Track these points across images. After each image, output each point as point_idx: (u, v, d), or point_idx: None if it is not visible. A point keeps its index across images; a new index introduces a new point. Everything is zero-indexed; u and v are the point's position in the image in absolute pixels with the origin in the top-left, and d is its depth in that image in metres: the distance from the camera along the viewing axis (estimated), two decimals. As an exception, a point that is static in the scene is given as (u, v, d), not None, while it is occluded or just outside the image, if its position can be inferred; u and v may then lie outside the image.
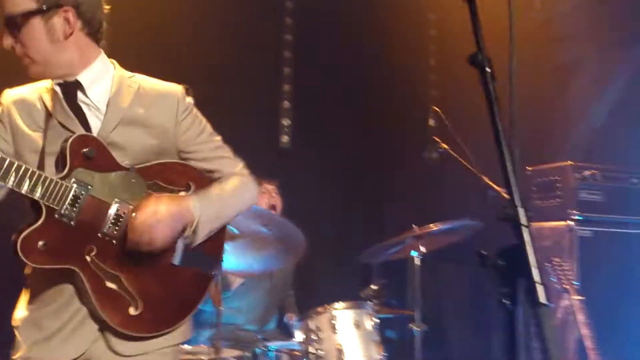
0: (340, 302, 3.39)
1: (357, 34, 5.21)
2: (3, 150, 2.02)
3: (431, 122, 3.76)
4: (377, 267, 4.27)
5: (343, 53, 5.19)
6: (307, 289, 4.70)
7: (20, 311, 2.11)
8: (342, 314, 3.35)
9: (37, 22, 2.01)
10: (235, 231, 3.12)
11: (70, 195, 1.94)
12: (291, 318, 4.22)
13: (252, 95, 4.98)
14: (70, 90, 2.08)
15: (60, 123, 2.05)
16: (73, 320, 2.01)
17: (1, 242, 2.03)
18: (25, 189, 1.89)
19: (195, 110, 2.27)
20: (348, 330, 3.33)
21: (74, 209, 1.95)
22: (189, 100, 2.27)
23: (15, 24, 2.00)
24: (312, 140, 5.09)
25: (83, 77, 2.08)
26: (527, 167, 4.22)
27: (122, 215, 2.02)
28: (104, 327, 2.01)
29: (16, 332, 2.09)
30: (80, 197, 1.96)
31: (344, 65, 5.18)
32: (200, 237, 2.09)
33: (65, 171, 1.96)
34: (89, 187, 1.99)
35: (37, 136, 2.05)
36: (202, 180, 2.19)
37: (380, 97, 5.27)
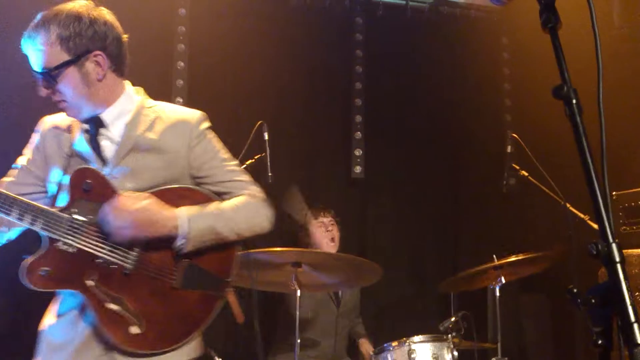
0: (419, 335, 3.34)
1: (428, 61, 5.18)
2: (37, 176, 2.22)
3: (509, 148, 3.67)
4: (454, 298, 4.17)
5: (414, 81, 5.17)
6: (382, 320, 4.65)
7: (47, 318, 2.22)
8: (421, 347, 3.29)
9: (71, 71, 2.14)
10: (311, 269, 3.15)
11: (70, 226, 2.08)
12: (363, 345, 4.18)
13: (325, 127, 5.02)
14: (95, 125, 2.20)
15: (78, 154, 2.19)
16: (82, 335, 2.11)
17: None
18: (26, 221, 2.05)
19: (210, 135, 2.31)
20: (427, 364, 3.27)
21: (74, 238, 2.08)
22: (205, 125, 2.30)
23: (50, 76, 2.12)
24: (385, 170, 5.07)
25: (107, 114, 2.21)
26: (612, 193, 4.06)
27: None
28: (109, 347, 2.10)
29: (39, 336, 2.20)
30: (80, 226, 2.09)
31: (415, 93, 5.16)
32: (190, 245, 2.13)
33: (67, 203, 2.11)
34: (89, 216, 2.10)
35: (61, 164, 2.18)
36: (209, 203, 2.21)
37: (453, 123, 5.20)
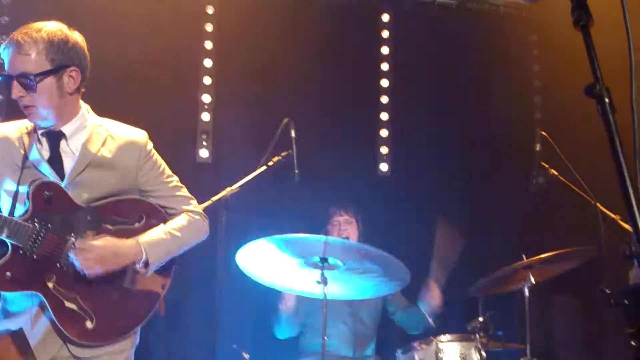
0: (447, 334, 3.31)
1: (456, 58, 5.14)
2: None
3: (538, 146, 3.62)
4: (482, 297, 4.12)
5: (441, 78, 5.13)
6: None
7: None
8: (449, 347, 3.28)
9: (50, 81, 2.37)
10: (339, 263, 3.13)
11: (32, 234, 2.31)
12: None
13: (351, 124, 5.00)
14: (55, 139, 2.45)
15: (33, 165, 2.40)
16: (40, 331, 2.35)
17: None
18: None
19: (155, 154, 2.63)
20: (455, 364, 3.25)
21: (36, 245, 2.32)
22: (150, 145, 2.62)
23: (31, 81, 2.33)
24: (411, 168, 5.04)
25: (67, 128, 2.47)
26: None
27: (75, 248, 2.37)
28: (66, 339, 2.37)
29: None
30: (41, 235, 2.33)
31: (442, 91, 5.12)
32: (151, 270, 2.48)
33: (29, 214, 2.33)
34: (49, 225, 2.35)
35: (14, 176, 2.38)
36: (154, 212, 2.57)
37: (481, 120, 5.15)
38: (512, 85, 5.16)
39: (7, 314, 2.43)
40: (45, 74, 2.35)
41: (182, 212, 2.63)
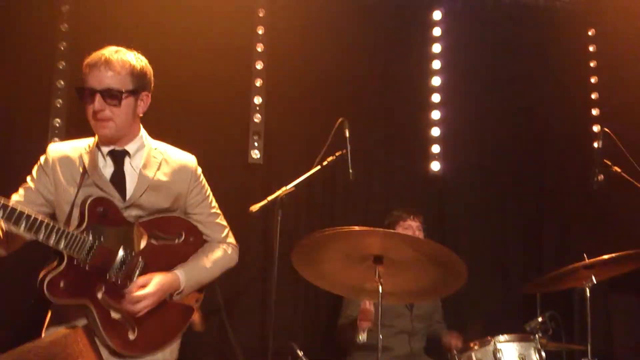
0: (505, 335, 3.24)
1: (510, 54, 5.06)
2: (46, 198, 2.59)
3: (599, 143, 3.52)
4: (540, 297, 4.04)
5: (494, 75, 5.05)
6: (465, 320, 4.56)
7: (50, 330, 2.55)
8: (507, 347, 3.20)
9: (131, 100, 2.58)
10: (394, 261, 3.08)
11: (87, 246, 2.44)
12: (447, 335, 4.09)
13: (403, 123, 4.97)
14: (119, 157, 2.63)
15: (95, 183, 2.57)
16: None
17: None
18: (52, 242, 2.36)
19: (203, 180, 2.82)
20: (513, 364, 3.18)
21: (89, 256, 2.45)
22: (199, 170, 2.81)
23: (114, 96, 2.52)
24: (464, 167, 4.97)
25: (130, 147, 2.65)
26: None
27: (126, 260, 2.54)
28: (113, 354, 2.51)
29: None
30: (94, 247, 2.46)
31: (496, 87, 5.04)
32: (184, 296, 2.69)
33: (84, 226, 2.46)
34: (101, 238, 2.48)
35: (72, 190, 2.55)
36: (193, 230, 2.77)
37: (536, 118, 5.05)
38: (567, 81, 5.05)
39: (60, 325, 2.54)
40: (129, 93, 2.57)
41: (217, 240, 2.83)
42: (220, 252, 2.82)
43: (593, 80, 5.10)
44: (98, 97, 2.51)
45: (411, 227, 4.06)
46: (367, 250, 3.04)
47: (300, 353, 3.30)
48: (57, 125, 4.27)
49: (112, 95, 2.52)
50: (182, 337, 2.75)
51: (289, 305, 4.23)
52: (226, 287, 4.21)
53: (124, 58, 2.57)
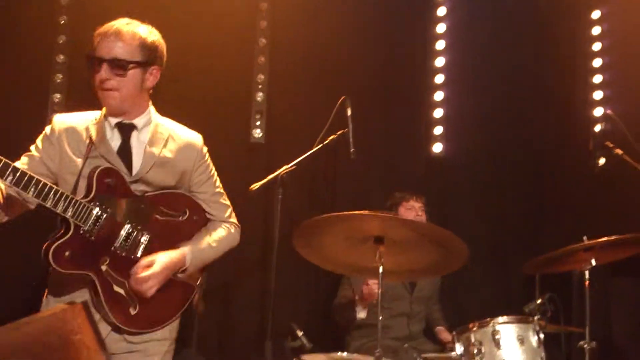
0: (504, 316, 3.26)
1: (513, 36, 5.02)
2: (49, 168, 2.56)
3: (602, 125, 3.50)
4: (539, 280, 4.05)
5: (498, 56, 5.02)
6: (464, 301, 4.58)
7: (50, 305, 2.54)
8: (506, 329, 3.20)
9: (137, 71, 2.58)
10: (395, 242, 3.09)
11: (94, 216, 2.45)
12: (441, 332, 4.15)
13: (404, 104, 4.95)
14: (127, 130, 2.63)
15: (101, 155, 2.56)
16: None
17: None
18: (59, 209, 2.37)
19: (208, 159, 2.82)
20: (512, 346, 3.19)
21: (95, 227, 2.45)
22: (205, 149, 2.81)
23: (121, 66, 2.53)
24: (465, 148, 4.96)
25: (138, 121, 2.65)
26: None
27: (131, 233, 2.54)
28: (114, 329, 2.51)
29: None
30: (101, 217, 2.47)
31: (499, 69, 5.01)
32: (188, 274, 2.68)
33: (92, 196, 2.47)
34: (108, 210, 2.49)
35: (78, 161, 2.54)
36: (197, 208, 2.77)
37: (537, 100, 5.02)
38: (570, 64, 5.02)
39: (59, 301, 2.52)
40: (136, 64, 2.56)
41: (220, 219, 2.83)
42: (224, 232, 2.82)
43: (596, 62, 5.05)
44: (105, 66, 2.52)
45: (414, 207, 4.11)
46: (368, 232, 3.05)
47: (300, 333, 3.32)
48: (57, 100, 4.25)
49: (118, 65, 2.52)
50: (182, 318, 2.74)
51: (289, 285, 4.24)
52: (227, 267, 4.23)
53: (135, 30, 2.58)
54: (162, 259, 2.56)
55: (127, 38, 2.55)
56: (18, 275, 3.77)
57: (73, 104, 2.93)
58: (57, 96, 4.26)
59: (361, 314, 3.81)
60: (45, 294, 2.60)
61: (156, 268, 2.53)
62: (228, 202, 2.88)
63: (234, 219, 2.89)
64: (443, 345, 4.05)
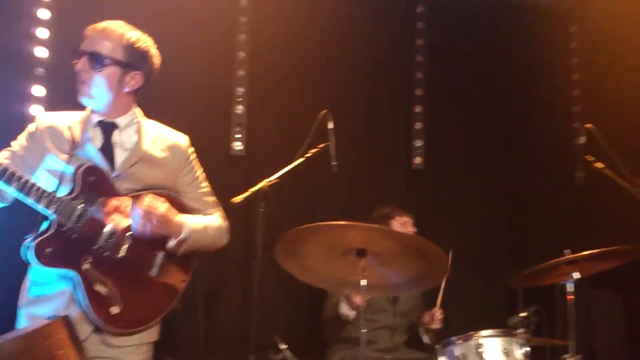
0: (488, 330, 3.23)
1: (494, 50, 5.06)
2: (30, 164, 2.54)
3: (581, 139, 3.51)
4: (520, 290, 4.05)
5: (478, 71, 5.04)
6: (447, 314, 4.54)
7: (29, 299, 2.51)
8: (490, 342, 3.19)
9: (115, 70, 2.57)
10: (376, 254, 3.06)
11: (76, 213, 2.41)
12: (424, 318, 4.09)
13: (386, 117, 4.95)
14: (108, 129, 2.62)
15: (83, 152, 2.53)
16: (75, 316, 2.41)
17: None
18: (41, 206, 2.35)
19: (194, 159, 2.81)
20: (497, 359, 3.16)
21: (78, 225, 2.42)
22: (191, 149, 2.81)
23: (98, 60, 2.54)
24: (446, 161, 4.96)
25: (120, 121, 2.64)
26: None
27: (114, 233, 2.49)
28: (95, 330, 2.45)
29: (21, 312, 2.50)
30: (84, 215, 2.43)
31: (479, 83, 5.03)
32: (182, 251, 2.59)
33: (75, 194, 2.45)
34: (92, 207, 2.46)
35: (61, 159, 2.51)
36: (184, 208, 2.69)
37: (519, 114, 5.05)
38: (550, 78, 5.06)
39: (41, 298, 2.49)
40: (115, 62, 2.56)
41: (214, 213, 2.78)
42: (218, 221, 2.78)
43: (576, 76, 5.10)
44: (83, 59, 2.54)
45: (407, 222, 4.15)
46: (350, 244, 3.01)
47: (284, 346, 3.27)
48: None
49: (95, 60, 2.54)
50: (163, 324, 2.68)
51: (271, 297, 4.18)
52: (207, 279, 4.17)
53: (125, 32, 2.61)
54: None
55: (114, 36, 2.58)
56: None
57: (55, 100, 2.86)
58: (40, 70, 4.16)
59: (352, 314, 3.77)
60: (25, 287, 2.55)
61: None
62: (216, 202, 2.86)
63: (225, 217, 2.85)
64: (423, 326, 4.00)
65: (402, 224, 4.11)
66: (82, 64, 2.54)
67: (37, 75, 4.16)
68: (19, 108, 4.10)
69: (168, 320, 2.71)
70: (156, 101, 4.13)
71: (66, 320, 2.26)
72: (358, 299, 3.71)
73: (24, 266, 2.51)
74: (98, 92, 2.58)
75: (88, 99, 2.59)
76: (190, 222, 2.63)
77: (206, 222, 2.71)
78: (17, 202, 2.44)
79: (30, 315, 2.49)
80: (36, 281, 2.53)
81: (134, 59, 2.60)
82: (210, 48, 4.53)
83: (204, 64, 4.49)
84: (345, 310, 3.80)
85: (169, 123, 3.02)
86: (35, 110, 4.07)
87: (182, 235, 2.57)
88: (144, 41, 2.66)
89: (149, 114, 2.84)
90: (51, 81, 4.11)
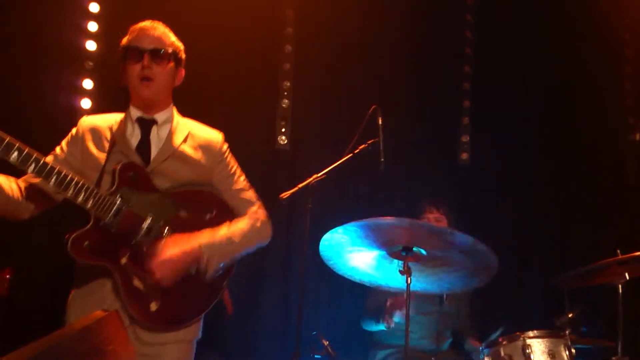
0: (535, 330, 3.18)
1: (543, 42, 4.94)
2: (72, 165, 2.59)
3: (637, 136, 3.42)
4: (566, 290, 3.97)
5: (526, 63, 4.94)
6: (491, 314, 4.49)
7: (72, 295, 2.59)
8: (537, 343, 3.14)
9: (173, 65, 2.71)
10: (423, 252, 3.04)
11: (114, 208, 2.45)
12: (474, 344, 4.06)
13: (431, 112, 4.89)
14: (147, 125, 2.68)
15: (121, 151, 2.60)
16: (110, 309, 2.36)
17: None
18: (80, 200, 2.39)
19: (229, 155, 2.84)
20: (543, 361, 3.12)
21: (116, 219, 2.45)
22: (225, 146, 2.84)
23: (162, 56, 2.65)
24: (493, 156, 4.88)
25: (160, 116, 2.71)
26: None
27: (153, 228, 2.52)
28: (133, 322, 2.47)
29: (67, 310, 2.58)
30: (122, 210, 2.46)
31: (527, 76, 4.93)
32: (211, 270, 2.58)
33: (113, 189, 2.48)
34: (130, 203, 2.48)
35: (101, 157, 2.57)
36: (224, 207, 2.73)
37: (568, 107, 4.93)
38: (602, 70, 4.92)
39: (83, 295, 2.55)
40: (174, 57, 2.71)
41: (245, 214, 2.77)
42: (245, 225, 2.73)
43: (628, 69, 4.95)
44: (146, 56, 2.62)
45: (428, 219, 4.01)
46: (396, 241, 3.00)
47: (326, 343, 3.29)
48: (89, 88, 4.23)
49: (160, 55, 2.64)
50: (208, 318, 2.70)
51: (314, 294, 4.19)
52: (250, 276, 4.20)
53: (167, 31, 2.73)
54: (176, 244, 2.53)
55: (167, 35, 2.71)
56: (47, 269, 3.76)
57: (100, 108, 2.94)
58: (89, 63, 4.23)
59: (392, 323, 3.74)
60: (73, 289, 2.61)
61: (170, 253, 2.49)
62: (253, 198, 2.85)
63: (261, 214, 2.83)
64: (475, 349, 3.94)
65: (436, 220, 3.99)
66: (147, 60, 2.62)
67: (86, 69, 4.23)
68: (69, 101, 4.18)
69: (211, 318, 2.74)
70: (203, 96, 4.23)
71: (117, 314, 2.29)
72: (397, 311, 3.67)
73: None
74: (159, 89, 2.67)
75: (149, 95, 2.66)
76: (210, 241, 2.58)
77: (231, 232, 2.66)
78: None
79: (78, 309, 2.54)
80: (79, 277, 2.58)
81: (179, 55, 2.75)
82: (256, 42, 4.54)
83: (250, 58, 4.50)
84: (392, 324, 3.76)
85: (214, 117, 3.07)
86: (85, 103, 4.15)
87: (202, 262, 2.55)
88: (181, 43, 2.79)
89: (194, 110, 2.90)
90: (99, 75, 4.17)
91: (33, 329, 2.56)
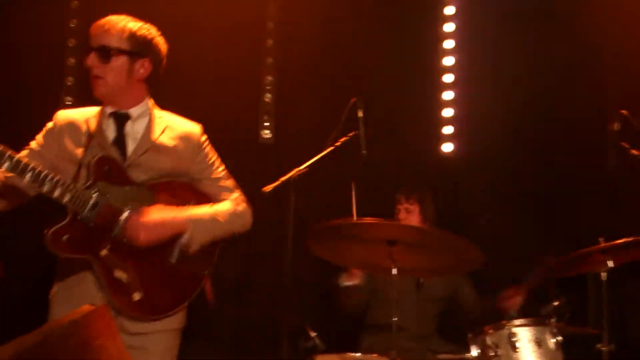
0: (520, 319, 3.21)
1: (522, 33, 4.96)
2: (48, 159, 2.59)
3: (616, 125, 3.44)
4: (553, 281, 3.99)
5: (509, 54, 4.95)
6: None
7: (55, 289, 2.62)
8: (523, 331, 3.16)
9: (123, 59, 2.62)
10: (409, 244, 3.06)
11: (91, 202, 2.46)
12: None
13: (413, 103, 4.90)
14: (121, 120, 2.67)
15: (98, 144, 2.60)
16: (95, 302, 2.37)
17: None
18: (55, 195, 2.40)
19: (208, 147, 2.83)
20: (529, 349, 3.14)
21: (93, 212, 2.46)
22: (204, 137, 2.83)
23: (106, 53, 2.60)
24: (477, 148, 4.90)
25: (133, 111, 2.69)
26: None
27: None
28: (117, 313, 2.46)
29: (50, 304, 2.61)
30: (99, 203, 2.47)
31: (509, 67, 4.94)
32: (194, 247, 2.60)
33: (89, 183, 2.50)
34: (107, 196, 2.50)
35: (78, 151, 2.58)
36: (201, 197, 2.73)
37: (551, 98, 4.95)
38: (583, 61, 4.94)
39: (66, 287, 2.58)
40: (121, 52, 2.61)
41: (226, 200, 2.78)
42: (228, 206, 2.76)
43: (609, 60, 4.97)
44: (92, 55, 2.61)
45: (399, 210, 4.11)
46: (381, 236, 3.07)
47: (314, 334, 3.30)
48: (69, 84, 4.21)
49: (102, 53, 2.60)
50: (195, 308, 2.72)
51: (301, 286, 4.19)
52: (237, 266, 4.19)
53: (126, 23, 2.65)
54: (162, 207, 2.57)
55: (116, 29, 2.63)
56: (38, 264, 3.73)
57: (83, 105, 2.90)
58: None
59: (347, 282, 3.84)
60: (56, 282, 2.63)
61: (152, 211, 2.53)
62: (232, 186, 2.85)
63: (240, 200, 2.84)
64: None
65: (397, 213, 4.08)
66: (90, 59, 2.61)
67: (69, 66, 4.22)
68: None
69: (198, 307, 2.74)
70: (185, 90, 4.21)
71: (106, 308, 2.28)
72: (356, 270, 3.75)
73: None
74: (111, 85, 2.63)
75: (102, 93, 2.65)
76: (195, 215, 2.63)
77: (214, 210, 2.70)
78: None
79: (61, 303, 2.55)
80: (62, 271, 2.60)
81: (140, 47, 2.65)
82: (239, 36, 4.53)
83: (232, 52, 4.50)
84: (345, 281, 3.81)
85: (197, 111, 3.06)
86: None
87: (186, 235, 2.58)
88: (147, 29, 2.70)
89: (176, 104, 2.88)
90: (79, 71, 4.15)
91: (23, 323, 2.53)
